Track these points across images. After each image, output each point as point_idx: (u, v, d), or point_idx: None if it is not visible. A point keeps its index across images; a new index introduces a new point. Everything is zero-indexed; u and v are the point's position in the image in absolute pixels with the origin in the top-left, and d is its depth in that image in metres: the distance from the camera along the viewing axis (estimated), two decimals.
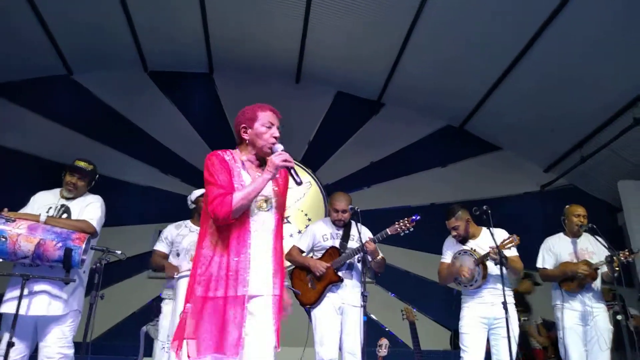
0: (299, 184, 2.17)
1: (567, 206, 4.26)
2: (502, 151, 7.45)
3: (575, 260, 3.95)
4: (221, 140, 6.63)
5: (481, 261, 3.67)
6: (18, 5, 5.52)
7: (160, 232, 4.77)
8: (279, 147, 2.23)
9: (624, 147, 6.26)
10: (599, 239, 3.78)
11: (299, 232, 6.21)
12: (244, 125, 2.30)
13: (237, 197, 2.09)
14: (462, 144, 7.39)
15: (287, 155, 2.16)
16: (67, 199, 3.40)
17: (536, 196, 7.29)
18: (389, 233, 3.73)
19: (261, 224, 2.20)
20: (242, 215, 2.14)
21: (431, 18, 5.52)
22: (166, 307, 3.88)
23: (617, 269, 3.69)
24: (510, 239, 3.60)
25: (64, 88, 6.77)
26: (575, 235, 4.10)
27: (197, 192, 4.29)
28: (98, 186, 3.67)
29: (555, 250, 4.09)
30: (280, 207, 2.33)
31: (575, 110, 6.18)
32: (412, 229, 3.74)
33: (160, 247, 4.22)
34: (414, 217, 3.74)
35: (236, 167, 2.22)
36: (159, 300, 4.16)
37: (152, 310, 4.31)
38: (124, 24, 6.10)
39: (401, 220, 3.75)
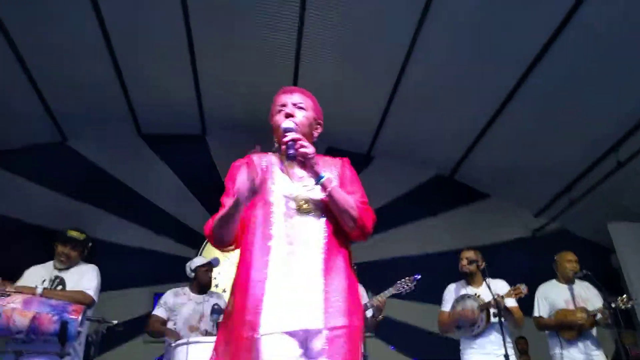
0: (288, 156, 1.75)
1: (558, 254, 4.31)
2: (492, 198, 7.57)
3: (571, 307, 3.97)
4: (215, 200, 6.75)
5: (485, 308, 3.69)
6: (11, 70, 5.59)
7: (158, 296, 4.77)
8: (283, 124, 1.82)
9: (611, 189, 6.39)
10: (593, 287, 3.82)
11: None
12: (272, 125, 1.97)
13: (216, 218, 1.77)
14: (452, 193, 7.51)
15: (291, 135, 1.76)
16: (61, 270, 3.43)
17: (528, 241, 7.35)
18: (392, 292, 3.79)
19: (297, 232, 1.73)
20: (262, 220, 1.75)
21: (417, 68, 5.72)
22: None
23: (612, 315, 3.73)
24: (519, 288, 3.64)
25: (59, 155, 6.87)
26: (568, 281, 4.14)
27: (197, 261, 4.33)
28: (93, 251, 3.70)
29: (550, 298, 4.12)
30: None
31: (562, 154, 6.36)
32: (413, 288, 3.81)
33: (159, 312, 4.16)
34: (415, 277, 3.80)
35: (271, 169, 1.88)
36: None
37: None
38: (117, 88, 6.26)
39: (403, 280, 3.81)
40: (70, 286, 3.33)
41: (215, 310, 3.58)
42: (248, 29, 5.53)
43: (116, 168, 6.90)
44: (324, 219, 1.79)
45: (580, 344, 3.91)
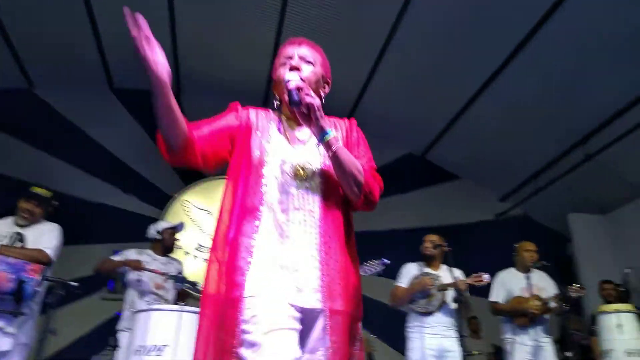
0: (292, 103, 1.52)
1: (518, 243, 4.43)
2: (461, 180, 7.68)
3: (526, 295, 4.11)
4: None
5: (444, 289, 3.79)
6: None
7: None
8: (287, 76, 1.60)
9: (575, 181, 6.58)
10: (548, 277, 3.96)
11: None
12: (273, 80, 1.78)
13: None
14: (422, 172, 7.59)
15: (297, 82, 1.55)
16: (22, 226, 3.33)
17: (491, 224, 7.53)
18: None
19: (292, 201, 1.57)
20: (253, 181, 1.57)
21: (399, 48, 5.72)
22: (125, 338, 3.80)
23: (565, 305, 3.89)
24: (480, 276, 3.74)
25: (24, 102, 6.61)
26: (526, 270, 4.27)
27: (164, 224, 4.32)
28: (57, 210, 3.61)
29: (507, 285, 4.25)
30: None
31: (532, 143, 6.49)
32: (381, 272, 3.84)
33: (116, 258, 4.08)
34: (383, 261, 3.83)
35: (268, 126, 1.69)
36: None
37: (107, 339, 4.19)
38: (90, 38, 6.03)
39: (370, 262, 3.84)
40: (30, 244, 3.25)
41: (179, 279, 3.57)
42: None
43: (84, 120, 6.67)
44: (323, 188, 1.61)
45: (531, 331, 4.05)
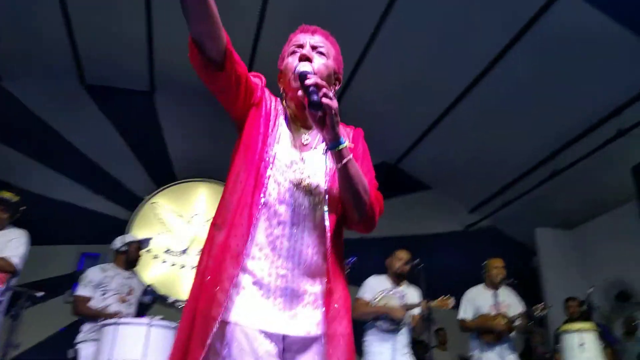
0: (312, 104, 1.30)
1: (487, 260, 4.52)
2: (432, 190, 7.78)
3: (493, 313, 4.20)
4: (157, 162, 6.59)
5: (408, 309, 3.84)
6: None
7: (85, 255, 4.65)
8: (300, 67, 1.42)
9: (542, 196, 6.74)
10: (516, 294, 4.06)
11: None
12: (279, 69, 1.60)
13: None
14: (395, 181, 7.65)
15: (315, 79, 1.34)
16: None
17: (460, 235, 7.66)
18: None
19: (293, 213, 1.41)
20: (254, 182, 1.38)
21: (376, 58, 5.76)
22: (85, 350, 3.69)
23: (530, 323, 4.00)
24: (447, 300, 3.82)
25: None
26: (494, 287, 4.36)
27: (131, 237, 4.30)
28: (22, 203, 3.52)
29: (475, 303, 4.33)
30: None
31: (502, 157, 6.62)
32: (348, 270, 3.83)
33: (84, 292, 3.97)
34: (350, 259, 3.80)
35: (277, 119, 1.51)
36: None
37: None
38: (63, 31, 5.85)
39: None
40: None
41: (149, 292, 3.53)
42: None
43: (53, 117, 6.49)
44: (326, 203, 1.43)
45: (497, 348, 4.12)
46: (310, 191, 1.44)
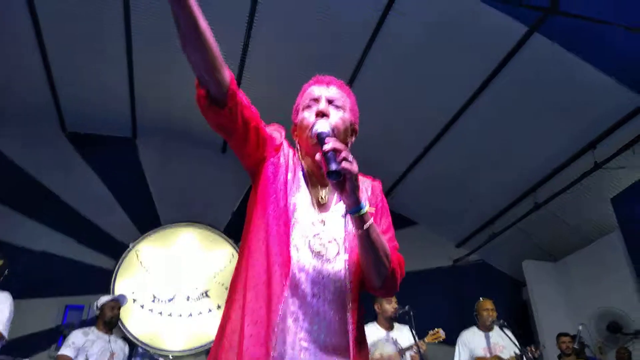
0: (331, 173, 1.23)
1: (477, 301, 4.54)
2: (418, 226, 7.80)
3: (488, 355, 4.19)
4: (141, 209, 6.52)
5: (404, 352, 3.81)
6: None
7: (69, 308, 4.59)
8: (318, 127, 1.38)
9: (527, 228, 6.83)
10: (510, 335, 4.05)
11: (219, 307, 6.05)
12: (294, 122, 1.56)
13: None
14: None
15: (333, 141, 1.28)
16: None
17: (448, 270, 7.65)
18: None
19: (314, 283, 1.34)
20: (278, 247, 1.32)
21: (359, 92, 5.79)
22: None
23: None
24: (438, 332, 3.79)
25: None
26: (487, 329, 4.37)
27: (104, 299, 4.30)
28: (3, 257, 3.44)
29: (469, 345, 4.33)
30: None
31: (485, 190, 6.70)
32: None
33: (67, 351, 4.04)
34: None
35: (296, 175, 1.46)
36: None
37: None
38: (43, 78, 5.84)
39: None
40: None
41: (139, 354, 3.49)
42: None
43: (34, 165, 6.40)
44: (347, 271, 1.36)
45: None
46: (329, 258, 1.37)
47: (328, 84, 1.55)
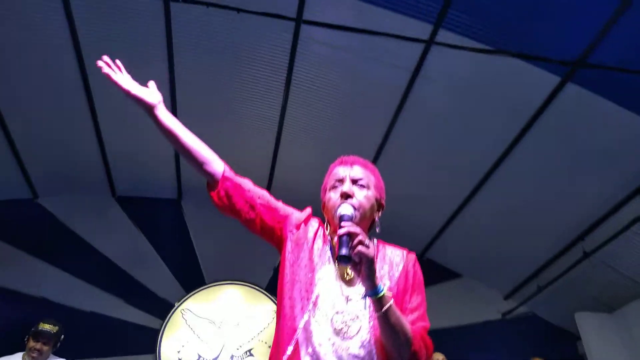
0: (341, 258, 1.29)
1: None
2: (462, 278, 7.62)
3: None
4: (187, 269, 6.67)
5: None
6: None
7: None
8: (341, 210, 1.45)
9: (577, 279, 6.55)
10: None
11: None
12: (322, 201, 1.65)
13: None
14: (424, 271, 7.53)
15: (348, 226, 1.32)
16: None
17: (498, 324, 7.37)
18: None
19: (336, 357, 1.36)
20: (304, 327, 1.39)
21: (394, 149, 5.92)
22: None
23: None
24: None
25: (28, 212, 6.70)
26: None
27: None
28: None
29: None
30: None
31: (530, 241, 6.52)
32: None
33: None
34: None
35: (324, 250, 1.53)
36: None
37: None
38: (96, 150, 6.27)
39: None
40: None
41: None
42: (233, 99, 5.69)
43: (86, 229, 6.69)
44: (373, 347, 1.39)
45: None
46: (351, 336, 1.40)
47: (352, 164, 1.63)
